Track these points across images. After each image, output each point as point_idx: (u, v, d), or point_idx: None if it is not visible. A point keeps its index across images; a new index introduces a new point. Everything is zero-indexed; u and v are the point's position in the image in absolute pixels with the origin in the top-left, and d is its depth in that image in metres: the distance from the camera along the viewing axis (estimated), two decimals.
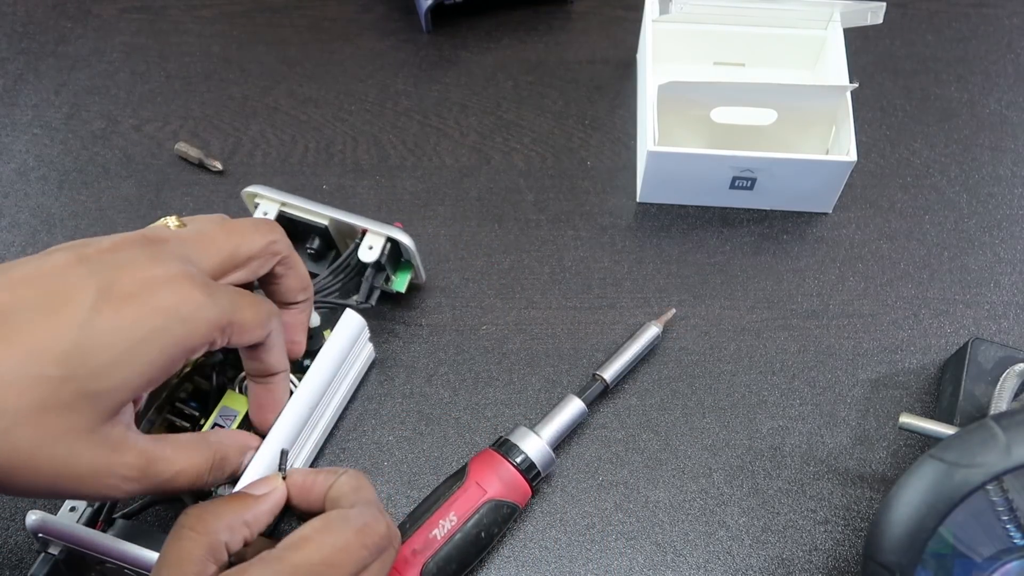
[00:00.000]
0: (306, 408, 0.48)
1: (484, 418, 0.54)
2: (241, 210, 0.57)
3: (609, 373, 0.54)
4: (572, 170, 0.64)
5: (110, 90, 0.67)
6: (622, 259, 0.60)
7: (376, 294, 0.54)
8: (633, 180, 0.63)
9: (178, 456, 0.40)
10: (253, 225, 0.43)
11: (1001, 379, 0.50)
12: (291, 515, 0.44)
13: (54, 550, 0.44)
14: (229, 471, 0.43)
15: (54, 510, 0.45)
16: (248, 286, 0.44)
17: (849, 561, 0.51)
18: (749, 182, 0.59)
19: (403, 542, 0.46)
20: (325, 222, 0.53)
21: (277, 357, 0.45)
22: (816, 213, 0.62)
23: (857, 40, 0.68)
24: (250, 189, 0.54)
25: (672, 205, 0.62)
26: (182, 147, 0.64)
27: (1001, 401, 0.49)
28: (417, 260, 0.55)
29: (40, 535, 0.44)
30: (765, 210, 0.62)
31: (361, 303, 0.53)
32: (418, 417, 0.54)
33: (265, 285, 0.46)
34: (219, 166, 0.63)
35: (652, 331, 0.55)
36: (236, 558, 0.40)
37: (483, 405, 0.55)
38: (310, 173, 0.63)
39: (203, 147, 0.64)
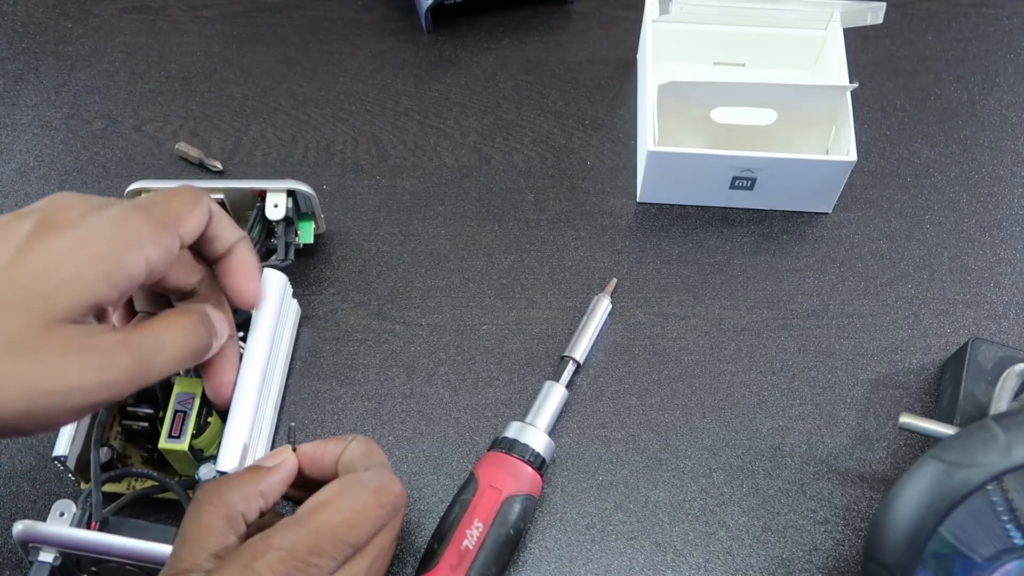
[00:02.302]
0: (259, 369, 0.48)
1: (484, 418, 0.54)
2: None
3: (578, 352, 0.55)
4: (572, 170, 0.64)
5: (110, 90, 0.67)
6: (622, 259, 0.60)
7: (292, 250, 0.55)
8: (633, 180, 0.63)
9: (165, 330, 0.40)
10: (189, 202, 0.41)
11: (1001, 379, 0.50)
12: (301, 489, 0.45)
13: (47, 556, 0.43)
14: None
15: (41, 518, 0.44)
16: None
17: (849, 561, 0.51)
18: (749, 182, 0.59)
19: (436, 563, 0.46)
20: (220, 196, 0.55)
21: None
22: (816, 213, 0.62)
23: (857, 40, 0.67)
24: (134, 186, 0.55)
25: (672, 205, 0.62)
26: (182, 147, 0.64)
27: (1001, 401, 0.49)
28: (317, 208, 0.56)
29: (31, 544, 0.43)
30: (765, 210, 0.62)
31: (282, 260, 0.54)
32: (418, 417, 0.54)
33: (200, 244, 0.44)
34: (219, 166, 0.63)
35: (604, 303, 0.57)
36: (254, 529, 0.40)
37: (483, 405, 0.55)
38: (310, 173, 0.63)
39: (203, 147, 0.64)
